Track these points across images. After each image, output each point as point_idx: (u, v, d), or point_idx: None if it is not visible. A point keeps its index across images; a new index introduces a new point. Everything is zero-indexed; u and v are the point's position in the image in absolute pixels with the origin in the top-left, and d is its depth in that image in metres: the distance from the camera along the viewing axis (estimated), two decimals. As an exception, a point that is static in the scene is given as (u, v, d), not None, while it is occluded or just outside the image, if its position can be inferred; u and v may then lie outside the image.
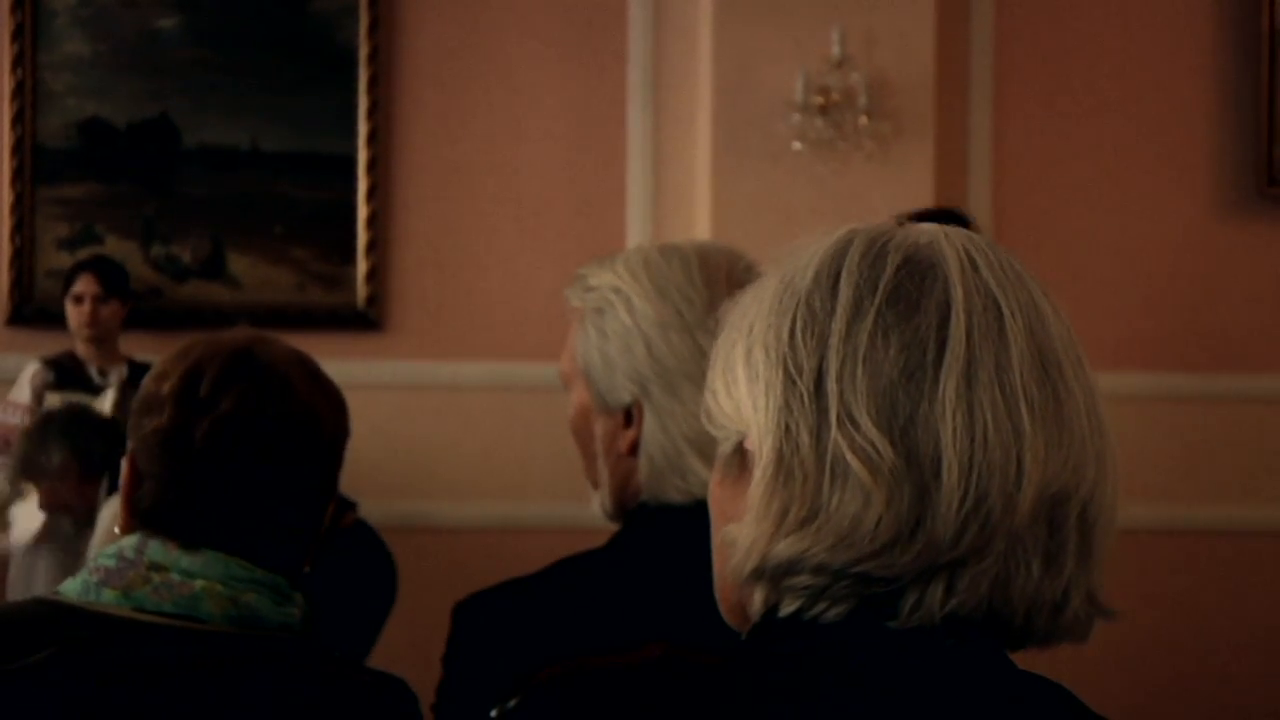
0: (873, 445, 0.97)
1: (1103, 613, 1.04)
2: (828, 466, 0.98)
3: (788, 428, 1.00)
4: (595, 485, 1.69)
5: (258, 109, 5.43)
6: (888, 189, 5.01)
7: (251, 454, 1.57)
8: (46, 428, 4.36)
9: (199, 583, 1.51)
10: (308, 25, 5.45)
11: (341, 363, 5.04)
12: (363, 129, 5.43)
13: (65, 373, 4.85)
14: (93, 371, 4.92)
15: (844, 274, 1.02)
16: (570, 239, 5.33)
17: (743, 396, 1.03)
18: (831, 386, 0.99)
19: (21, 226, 5.34)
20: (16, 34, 5.36)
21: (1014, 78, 5.53)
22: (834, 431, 0.98)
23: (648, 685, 1.01)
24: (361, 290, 5.39)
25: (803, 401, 1.00)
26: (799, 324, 1.01)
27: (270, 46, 5.44)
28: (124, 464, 1.60)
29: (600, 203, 5.44)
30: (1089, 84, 5.58)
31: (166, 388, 1.57)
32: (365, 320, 5.36)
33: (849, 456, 0.97)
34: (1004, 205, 5.53)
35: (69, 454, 4.20)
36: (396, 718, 1.56)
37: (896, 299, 1.00)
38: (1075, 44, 5.59)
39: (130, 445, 1.60)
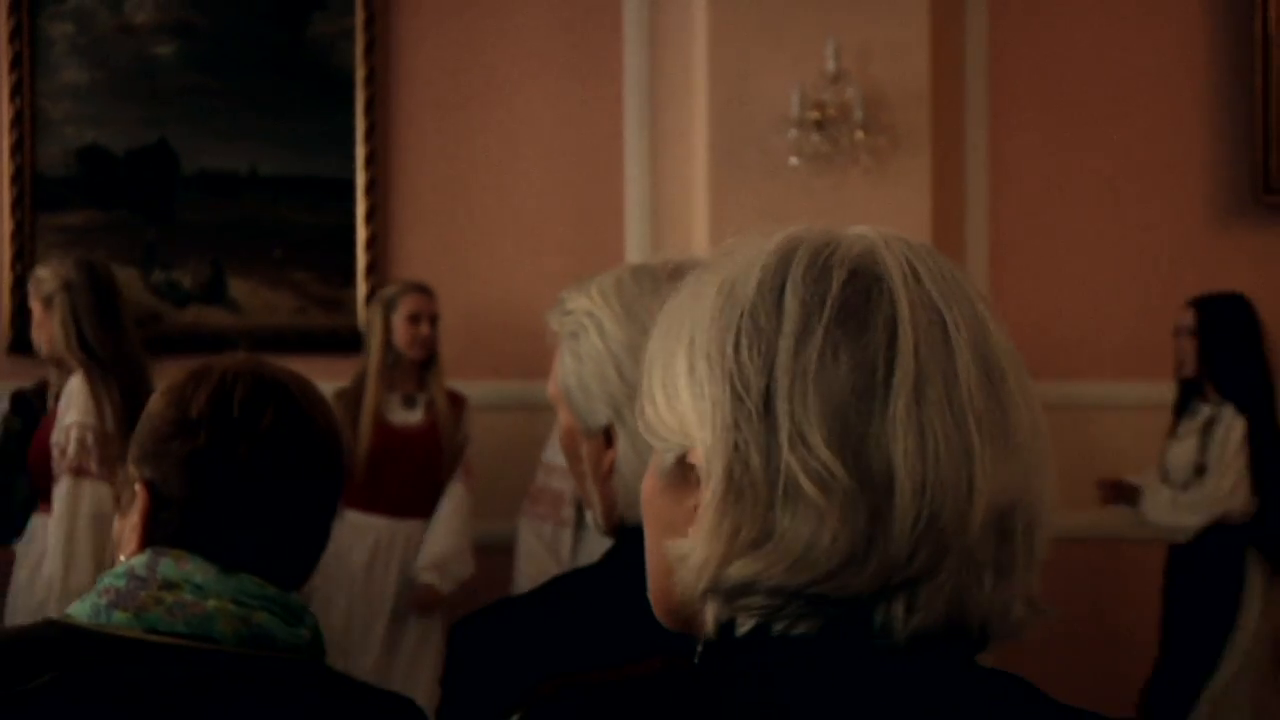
0: (825, 467, 0.97)
1: (1040, 613, 1.03)
2: (780, 487, 0.98)
3: (737, 447, 0.99)
4: (587, 504, 1.70)
5: (256, 133, 5.44)
6: (885, 203, 5.02)
7: (287, 472, 1.59)
8: None
9: (211, 602, 1.51)
10: (304, 49, 5.47)
11: (342, 385, 5.06)
12: (361, 152, 5.45)
13: (21, 404, 4.75)
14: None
15: (789, 288, 1.01)
16: (569, 258, 5.34)
17: (686, 411, 1.02)
18: (781, 406, 0.98)
19: (22, 254, 5.36)
20: (15, 63, 5.37)
21: (1009, 89, 5.55)
22: (785, 452, 0.98)
23: (649, 699, 1.01)
24: (362, 313, 5.40)
25: (751, 420, 0.99)
26: (744, 339, 1.00)
27: (267, 71, 5.46)
28: (139, 493, 1.59)
29: (599, 221, 5.46)
30: (1084, 95, 5.60)
31: (195, 411, 1.58)
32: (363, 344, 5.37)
33: (802, 478, 0.97)
34: (1001, 216, 5.54)
35: None
36: (407, 738, 1.56)
37: (845, 316, 0.99)
38: (1070, 56, 5.61)
39: (144, 473, 1.60)
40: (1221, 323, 4.96)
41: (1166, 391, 5.11)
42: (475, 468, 5.19)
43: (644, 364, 1.08)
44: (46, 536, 4.25)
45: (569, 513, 4.99)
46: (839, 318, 0.99)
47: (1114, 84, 5.61)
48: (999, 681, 1.02)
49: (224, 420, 1.58)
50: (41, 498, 4.32)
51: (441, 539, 5.06)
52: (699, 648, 1.04)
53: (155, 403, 1.62)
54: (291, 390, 1.62)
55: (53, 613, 3.98)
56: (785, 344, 0.99)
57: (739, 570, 0.99)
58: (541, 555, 5.00)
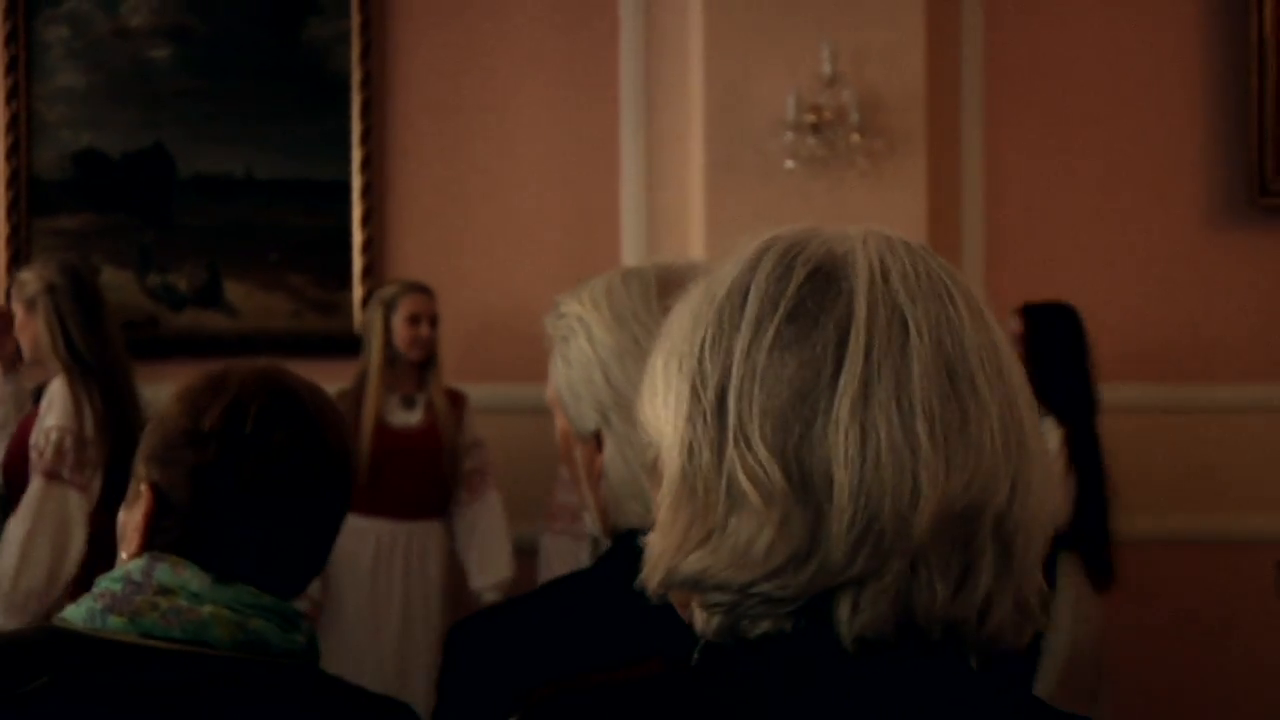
0: (763, 467, 0.97)
1: (1032, 620, 1.02)
2: (724, 486, 0.98)
3: (690, 444, 1.00)
4: (584, 508, 1.71)
5: (252, 137, 5.45)
6: (881, 205, 5.03)
7: (295, 490, 1.59)
8: None
9: (207, 608, 1.52)
10: (300, 53, 5.47)
11: (338, 389, 5.06)
12: (356, 155, 5.45)
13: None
14: None
15: (752, 288, 1.01)
16: (566, 261, 5.35)
17: (659, 407, 1.04)
18: (731, 404, 0.99)
19: (19, 258, 5.35)
20: (10, 67, 5.38)
21: (1005, 92, 5.55)
22: (730, 451, 0.98)
23: (647, 701, 1.02)
24: (357, 316, 5.40)
25: (705, 418, 0.99)
26: (708, 338, 1.01)
27: (263, 75, 5.46)
28: (144, 493, 1.59)
29: (595, 224, 5.46)
30: (1080, 98, 5.60)
31: (208, 423, 1.58)
32: (361, 346, 5.37)
33: (741, 478, 0.97)
34: (996, 219, 5.55)
35: None
36: (402, 743, 1.56)
37: (796, 315, 0.99)
38: (1065, 58, 5.61)
39: (151, 475, 1.60)
40: (1047, 332, 4.92)
41: (1162, 393, 5.12)
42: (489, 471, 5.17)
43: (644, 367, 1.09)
44: None
45: (584, 526, 4.98)
46: (790, 316, 0.99)
47: (1110, 86, 5.62)
48: (989, 686, 1.01)
49: (236, 435, 1.57)
50: (16, 499, 4.30)
51: (500, 558, 5.03)
52: (696, 650, 1.05)
53: (170, 407, 1.62)
54: (307, 406, 1.61)
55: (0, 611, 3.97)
56: (740, 343, 1.00)
57: (689, 566, 1.00)
58: (559, 571, 4.99)
